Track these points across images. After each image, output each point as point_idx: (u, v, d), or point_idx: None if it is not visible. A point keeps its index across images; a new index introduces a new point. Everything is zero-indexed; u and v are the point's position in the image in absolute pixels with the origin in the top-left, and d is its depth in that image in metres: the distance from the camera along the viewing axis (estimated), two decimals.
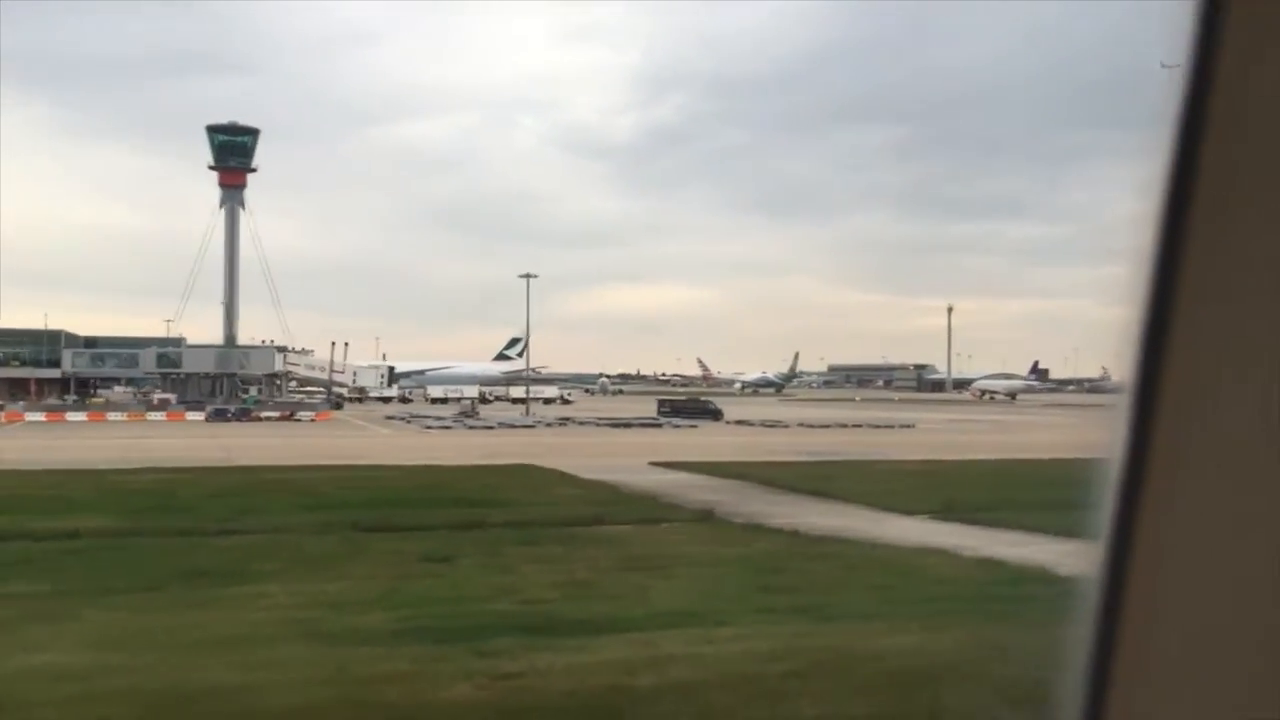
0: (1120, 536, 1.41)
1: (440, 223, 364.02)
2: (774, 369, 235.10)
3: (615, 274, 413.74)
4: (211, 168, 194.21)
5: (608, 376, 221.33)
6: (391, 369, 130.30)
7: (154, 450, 51.97)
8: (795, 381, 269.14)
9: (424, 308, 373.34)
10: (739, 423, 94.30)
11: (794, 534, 27.95)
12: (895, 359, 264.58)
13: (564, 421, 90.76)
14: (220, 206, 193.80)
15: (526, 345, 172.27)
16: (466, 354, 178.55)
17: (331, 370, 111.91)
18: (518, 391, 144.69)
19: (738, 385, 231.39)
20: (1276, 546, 1.29)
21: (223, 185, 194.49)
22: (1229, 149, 1.32)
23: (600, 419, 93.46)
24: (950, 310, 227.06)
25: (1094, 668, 1.43)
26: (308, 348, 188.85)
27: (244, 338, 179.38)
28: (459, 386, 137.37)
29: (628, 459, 50.48)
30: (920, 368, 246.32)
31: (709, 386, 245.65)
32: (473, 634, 15.77)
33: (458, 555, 23.37)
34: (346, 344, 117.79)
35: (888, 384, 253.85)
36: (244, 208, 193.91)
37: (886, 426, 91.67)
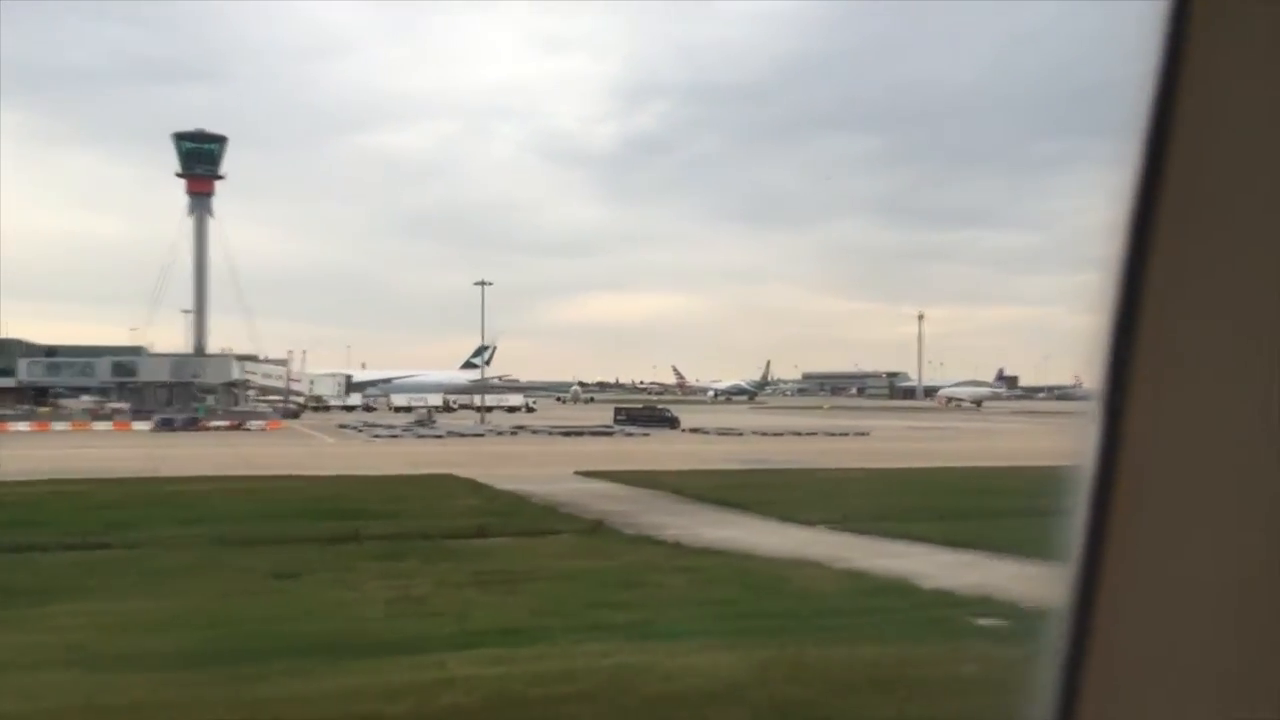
0: (1091, 542, 1.42)
1: (421, 231, 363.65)
2: (756, 377, 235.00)
3: (597, 282, 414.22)
4: (179, 175, 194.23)
5: (581, 385, 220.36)
6: (349, 377, 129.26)
7: (76, 461, 51.12)
8: (770, 389, 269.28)
9: (406, 316, 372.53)
10: (694, 431, 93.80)
11: (675, 546, 27.48)
12: (880, 366, 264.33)
13: (517, 430, 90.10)
14: (189, 214, 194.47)
15: (490, 353, 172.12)
16: (447, 361, 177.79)
17: (289, 379, 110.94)
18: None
19: (711, 393, 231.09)
20: (1246, 551, 1.31)
21: (190, 193, 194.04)
22: (1195, 159, 1.35)
23: (554, 427, 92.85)
24: (921, 318, 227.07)
25: (1065, 674, 1.44)
26: (284, 356, 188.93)
27: (216, 346, 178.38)
28: (423, 395, 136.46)
29: (557, 468, 49.91)
30: (892, 375, 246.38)
31: (684, 394, 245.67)
32: (260, 657, 15.19)
33: (311, 571, 22.81)
34: (305, 352, 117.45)
35: (861, 392, 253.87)
36: (212, 215, 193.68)
37: (841, 434, 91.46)
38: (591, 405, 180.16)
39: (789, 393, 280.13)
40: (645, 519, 32.93)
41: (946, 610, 19.43)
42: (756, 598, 20.43)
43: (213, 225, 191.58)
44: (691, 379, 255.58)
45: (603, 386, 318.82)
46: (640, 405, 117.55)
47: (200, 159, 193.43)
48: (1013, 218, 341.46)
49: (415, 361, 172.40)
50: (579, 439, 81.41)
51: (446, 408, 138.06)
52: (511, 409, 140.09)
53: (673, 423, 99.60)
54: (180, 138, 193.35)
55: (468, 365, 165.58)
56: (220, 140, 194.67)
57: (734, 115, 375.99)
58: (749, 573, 23.16)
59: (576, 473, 47.56)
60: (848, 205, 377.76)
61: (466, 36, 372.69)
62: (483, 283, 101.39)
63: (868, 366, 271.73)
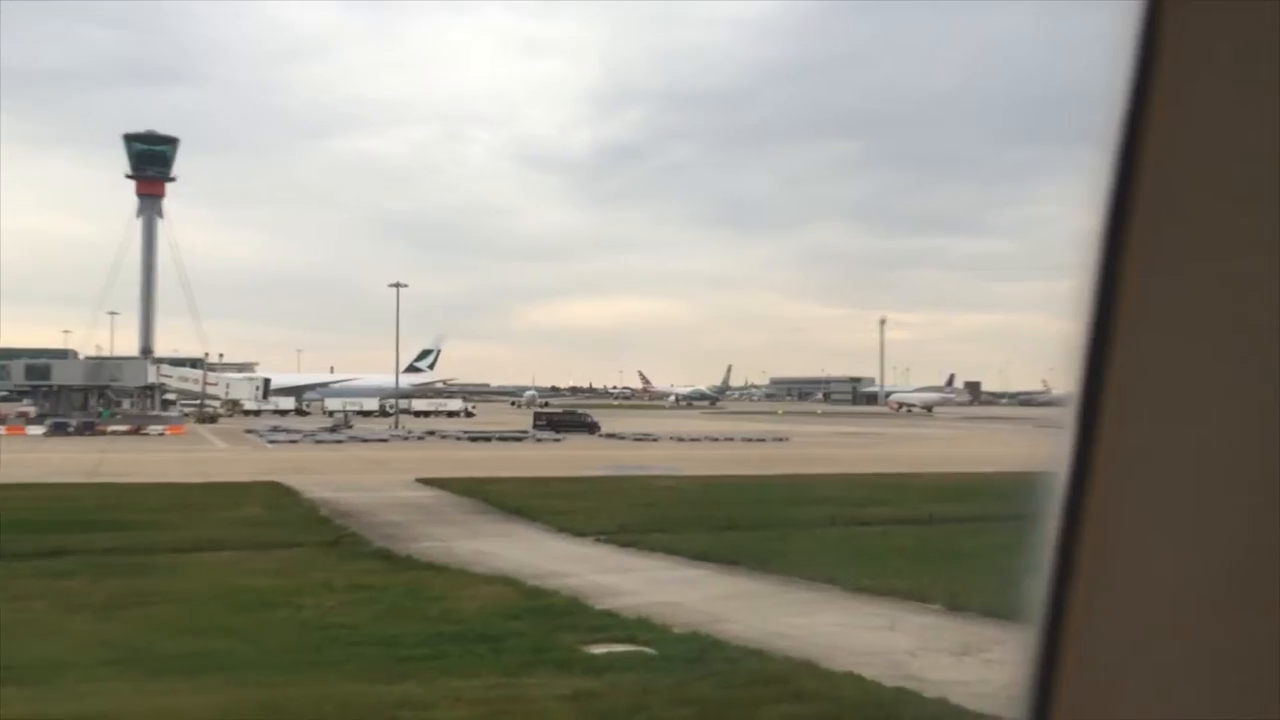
0: (1064, 547, 1.45)
1: (395, 236, 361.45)
2: (718, 382, 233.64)
3: (573, 287, 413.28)
4: (129, 176, 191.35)
5: (536, 389, 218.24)
6: (267, 381, 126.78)
7: None
8: (737, 394, 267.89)
9: (383, 320, 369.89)
10: (609, 436, 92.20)
11: (405, 560, 25.88)
12: (855, 372, 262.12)
13: (425, 435, 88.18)
14: (137, 216, 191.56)
15: (435, 357, 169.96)
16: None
17: (204, 383, 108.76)
18: (421, 404, 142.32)
19: (672, 398, 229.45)
20: (1220, 555, 1.36)
21: (140, 194, 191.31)
22: (1167, 164, 1.39)
23: (468, 433, 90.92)
24: (883, 323, 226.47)
25: (1039, 679, 1.48)
26: (248, 360, 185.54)
27: (167, 349, 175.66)
28: (359, 399, 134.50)
29: (406, 475, 48.05)
30: (855, 381, 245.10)
31: (650, 399, 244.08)
32: None
33: None
34: (221, 354, 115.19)
35: (826, 397, 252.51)
36: (162, 217, 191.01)
37: (758, 440, 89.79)
38: (546, 410, 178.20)
39: (756, 397, 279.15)
40: (420, 530, 31.36)
41: (575, 635, 17.68)
42: (386, 622, 18.64)
43: (164, 227, 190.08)
44: (664, 384, 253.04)
45: (574, 391, 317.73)
46: (561, 411, 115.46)
47: (151, 160, 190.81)
48: (988, 224, 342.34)
49: (386, 366, 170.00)
50: (479, 445, 79.59)
51: (382, 412, 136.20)
52: (451, 413, 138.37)
53: (591, 428, 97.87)
54: (130, 139, 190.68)
55: (411, 369, 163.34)
56: (172, 141, 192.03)
57: (710, 121, 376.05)
58: (423, 592, 21.38)
59: (418, 480, 45.73)
60: (824, 211, 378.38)
61: (442, 41, 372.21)
62: (397, 284, 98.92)
63: (838, 372, 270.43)
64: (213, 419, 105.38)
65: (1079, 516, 1.44)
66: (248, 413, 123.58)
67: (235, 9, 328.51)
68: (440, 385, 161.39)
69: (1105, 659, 1.44)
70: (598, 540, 29.42)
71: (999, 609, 19.89)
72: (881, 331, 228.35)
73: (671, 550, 27.24)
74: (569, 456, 64.45)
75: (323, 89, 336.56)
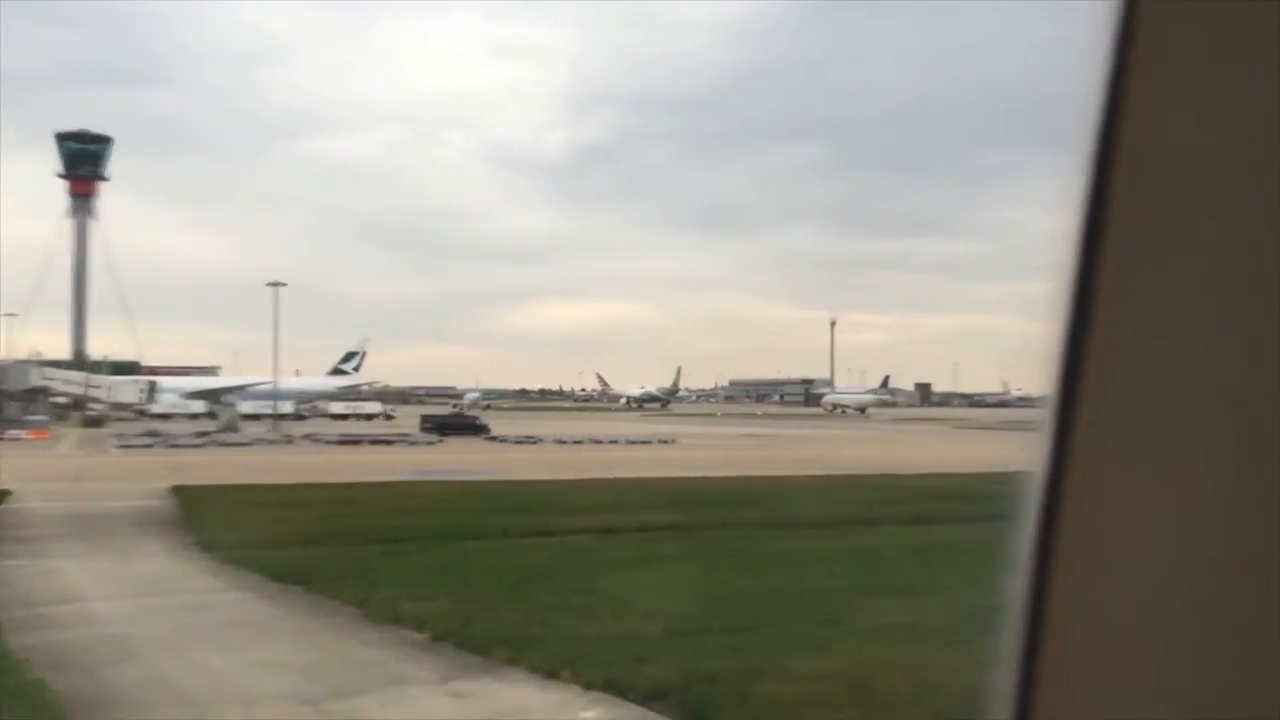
0: (1042, 547, 1.47)
1: (367, 239, 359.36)
2: (699, 384, 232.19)
3: (548, 290, 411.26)
4: (61, 176, 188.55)
5: (481, 391, 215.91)
6: (153, 383, 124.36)
7: None
8: (694, 396, 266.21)
9: (354, 323, 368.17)
10: (493, 439, 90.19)
11: None
12: (826, 374, 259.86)
13: (291, 438, 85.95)
14: (69, 216, 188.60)
15: (360, 359, 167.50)
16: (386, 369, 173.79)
17: (88, 386, 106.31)
18: (337, 407, 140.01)
19: (623, 400, 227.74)
20: (1195, 556, 1.39)
21: (72, 194, 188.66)
22: (1142, 166, 1.41)
23: (344, 436, 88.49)
24: (833, 324, 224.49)
25: (1019, 680, 1.49)
26: (212, 365, 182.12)
27: (101, 352, 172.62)
28: (274, 402, 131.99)
29: (184, 480, 45.78)
30: (807, 382, 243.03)
31: (608, 401, 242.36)
32: None
33: None
34: (106, 357, 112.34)
35: (782, 399, 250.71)
36: (94, 218, 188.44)
37: (643, 442, 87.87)
38: (489, 412, 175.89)
39: (719, 399, 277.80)
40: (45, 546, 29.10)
41: None
42: None
43: (94, 228, 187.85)
44: (626, 386, 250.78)
45: (542, 394, 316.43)
46: (451, 414, 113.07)
47: (84, 159, 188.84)
48: (962, 226, 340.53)
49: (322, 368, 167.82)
50: (339, 449, 77.29)
51: (298, 415, 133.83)
52: (368, 416, 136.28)
53: (479, 430, 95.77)
54: (62, 138, 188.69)
55: (336, 371, 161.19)
56: (105, 140, 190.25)
57: (682, 124, 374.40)
58: None
59: (174, 488, 43.36)
60: (797, 214, 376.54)
61: (413, 43, 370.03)
62: (276, 283, 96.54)
63: (810, 374, 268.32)
64: (99, 422, 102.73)
65: (1056, 516, 1.43)
66: (157, 416, 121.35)
67: (200, 10, 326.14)
68: (365, 388, 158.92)
69: (1084, 659, 1.44)
70: (215, 554, 27.19)
71: (470, 636, 17.84)
72: (832, 333, 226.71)
73: (265, 568, 24.98)
74: (394, 461, 62.17)
75: (292, 91, 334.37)
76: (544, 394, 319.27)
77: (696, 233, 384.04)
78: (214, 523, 32.51)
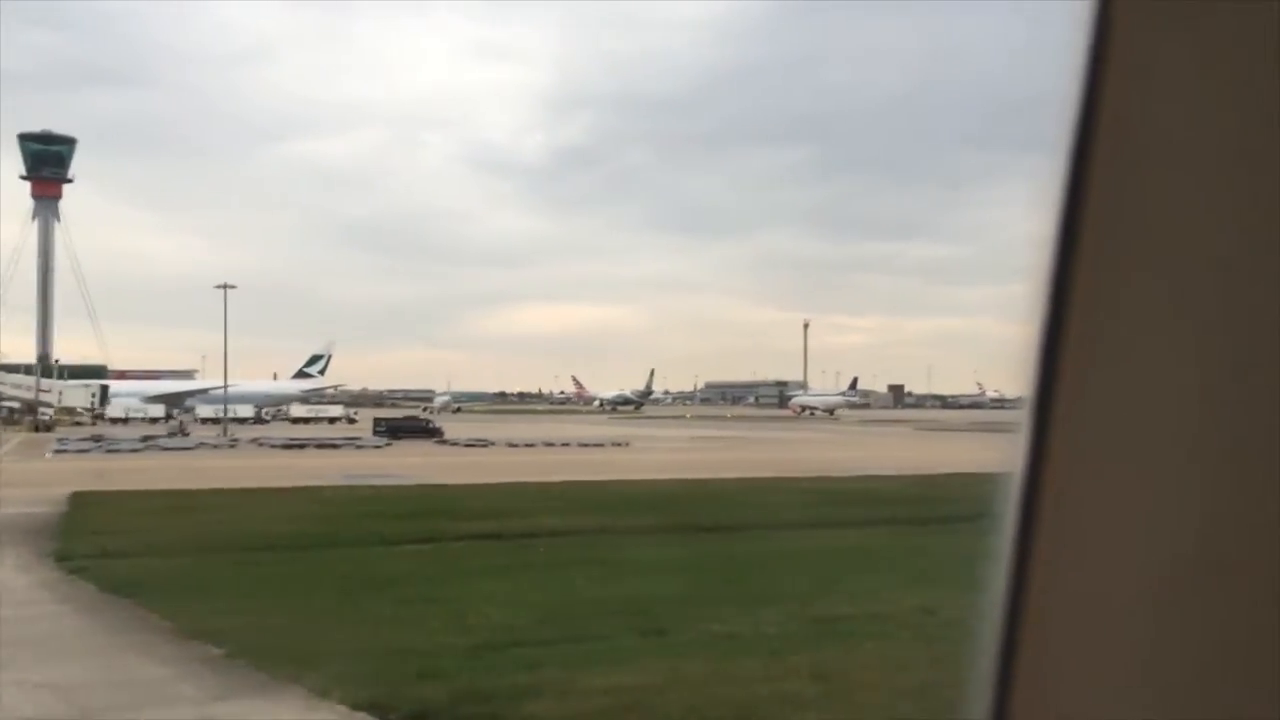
0: (1019, 548, 1.48)
1: (351, 241, 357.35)
2: (679, 386, 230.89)
3: (530, 293, 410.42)
4: (23, 178, 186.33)
5: (451, 394, 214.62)
6: (105, 387, 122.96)
7: None
8: (671, 399, 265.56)
9: (336, 326, 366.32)
10: (442, 442, 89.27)
11: None
12: (806, 376, 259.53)
13: (237, 442, 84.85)
14: (32, 218, 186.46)
15: (325, 362, 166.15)
16: (368, 372, 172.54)
17: (38, 390, 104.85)
18: (300, 410, 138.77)
19: (596, 403, 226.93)
20: (1171, 553, 1.41)
21: (35, 196, 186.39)
22: (1119, 167, 1.43)
23: (293, 440, 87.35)
24: (806, 326, 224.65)
25: (996, 679, 1.51)
26: (189, 369, 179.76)
27: (78, 355, 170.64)
28: (233, 406, 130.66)
29: (95, 486, 44.97)
30: (781, 384, 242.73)
31: (583, 404, 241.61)
32: None
33: None
34: (58, 360, 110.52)
35: (757, 400, 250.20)
36: (59, 220, 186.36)
37: (596, 445, 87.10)
38: (458, 415, 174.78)
39: (691, 401, 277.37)
40: None
41: None
42: None
43: (58, 230, 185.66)
44: (604, 390, 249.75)
45: (521, 396, 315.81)
46: (403, 417, 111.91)
47: (47, 161, 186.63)
48: (944, 229, 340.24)
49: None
50: (284, 453, 76.25)
51: (258, 419, 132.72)
52: (332, 420, 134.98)
53: (432, 433, 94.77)
54: (25, 139, 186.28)
55: (300, 374, 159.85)
56: (69, 142, 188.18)
57: (663, 126, 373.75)
58: None
59: (75, 493, 42.36)
60: (779, 216, 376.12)
61: (393, 45, 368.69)
62: (225, 285, 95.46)
63: (788, 376, 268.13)
64: (49, 427, 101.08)
65: (1034, 516, 1.45)
66: (115, 420, 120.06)
67: (181, 10, 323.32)
68: (331, 390, 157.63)
69: (1062, 657, 1.46)
70: (65, 565, 26.21)
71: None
72: (805, 335, 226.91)
73: (105, 580, 24.03)
74: (327, 466, 61.01)
75: (273, 92, 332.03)
76: (523, 396, 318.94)
77: (678, 236, 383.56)
78: (86, 531, 31.63)
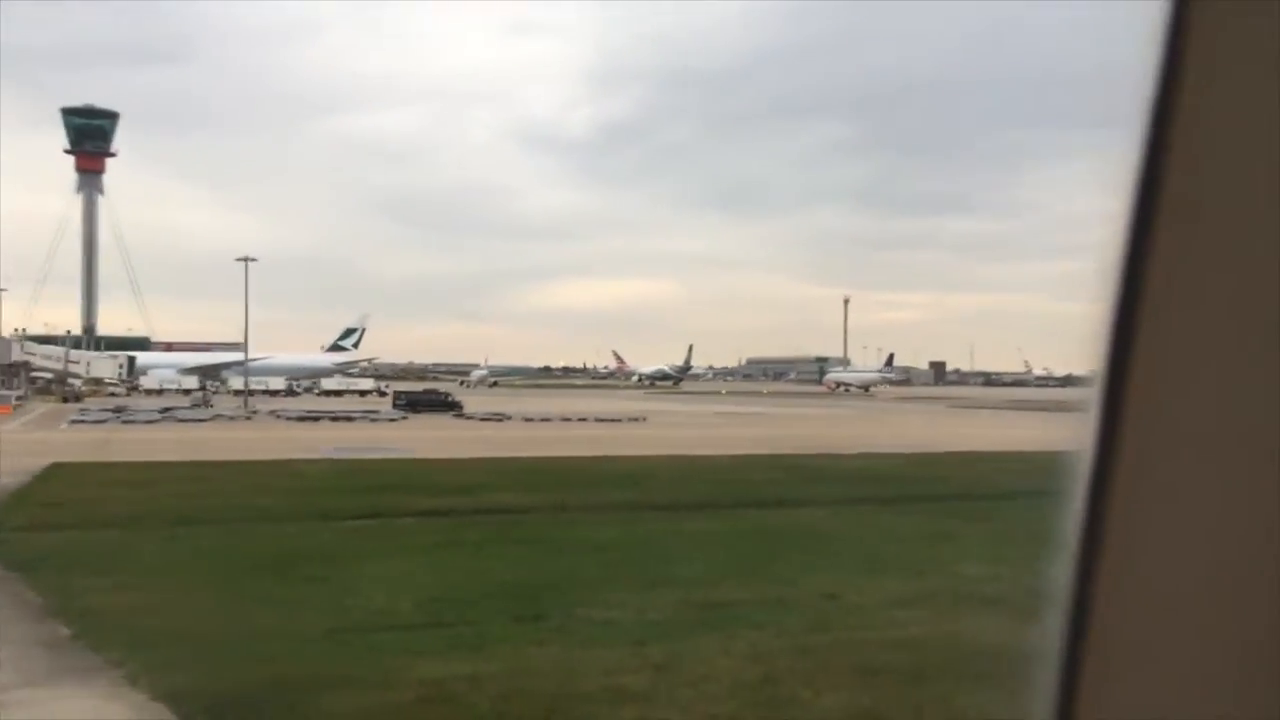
0: (1089, 533, 1.45)
1: (396, 216, 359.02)
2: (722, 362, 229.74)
3: (573, 268, 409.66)
4: (67, 152, 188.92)
5: (489, 368, 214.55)
6: (131, 359, 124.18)
7: None
8: (711, 374, 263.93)
9: (381, 301, 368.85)
10: (459, 416, 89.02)
11: None
12: (857, 353, 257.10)
13: (252, 415, 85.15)
14: (77, 191, 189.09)
15: (359, 335, 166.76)
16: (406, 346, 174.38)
17: (67, 361, 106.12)
18: (330, 383, 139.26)
19: (634, 378, 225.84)
20: (1247, 546, 1.38)
21: (80, 170, 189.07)
22: (1197, 145, 1.39)
23: (307, 413, 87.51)
24: (847, 302, 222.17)
25: (1064, 669, 1.48)
26: (237, 341, 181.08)
27: (122, 328, 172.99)
28: (264, 379, 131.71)
29: (83, 457, 45.23)
30: (821, 360, 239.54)
31: (622, 378, 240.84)
32: None
33: None
34: (70, 331, 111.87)
35: (797, 377, 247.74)
36: (102, 194, 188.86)
37: (612, 420, 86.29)
38: (496, 389, 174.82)
39: (733, 377, 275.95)
40: None
41: None
42: None
43: (102, 204, 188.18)
44: (645, 365, 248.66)
45: (565, 371, 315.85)
46: (423, 390, 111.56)
47: (90, 135, 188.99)
48: (987, 205, 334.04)
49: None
50: (295, 425, 76.36)
51: (289, 391, 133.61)
52: (363, 393, 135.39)
53: (451, 407, 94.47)
54: (68, 113, 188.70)
55: (334, 348, 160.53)
56: (112, 116, 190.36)
57: (708, 102, 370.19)
58: None
59: (55, 463, 42.44)
60: (824, 192, 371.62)
61: (438, 21, 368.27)
62: (246, 259, 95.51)
63: (819, 352, 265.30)
64: (78, 397, 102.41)
65: (1104, 502, 1.41)
66: (149, 391, 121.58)
67: None
68: (365, 364, 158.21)
69: (1131, 652, 1.41)
70: None
71: None
72: (845, 311, 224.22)
73: (14, 554, 23.60)
74: (328, 438, 60.83)
75: (317, 69, 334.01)
76: (567, 371, 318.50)
77: (721, 211, 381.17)
78: (35, 503, 31.60)
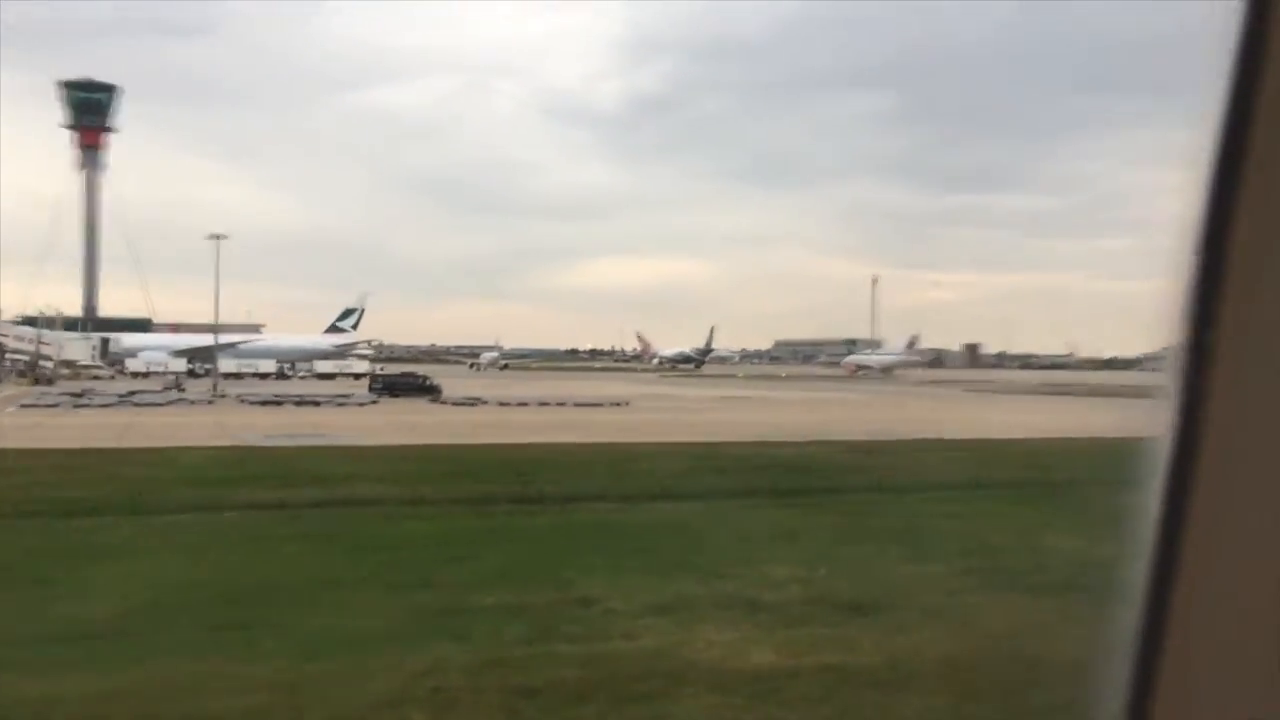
0: (1168, 525, 1.38)
1: (420, 192, 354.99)
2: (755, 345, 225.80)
3: (603, 247, 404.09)
4: (66, 127, 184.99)
5: (500, 350, 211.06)
6: (105, 340, 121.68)
7: None
8: (737, 357, 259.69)
9: (404, 279, 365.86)
10: (434, 400, 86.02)
11: None
12: (888, 333, 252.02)
13: (214, 399, 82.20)
14: (79, 169, 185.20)
15: (358, 316, 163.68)
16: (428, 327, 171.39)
17: (39, 342, 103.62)
18: (324, 366, 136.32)
19: (655, 360, 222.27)
20: None
21: (81, 146, 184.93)
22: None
23: (274, 396, 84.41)
24: (875, 281, 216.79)
25: (1140, 661, 1.42)
26: (254, 323, 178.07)
27: (130, 308, 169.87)
28: (254, 361, 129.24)
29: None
30: (850, 343, 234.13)
31: (646, 360, 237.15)
32: None
33: None
34: (60, 312, 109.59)
35: (825, 359, 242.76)
36: (106, 169, 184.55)
37: (593, 405, 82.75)
38: (507, 372, 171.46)
39: (761, 359, 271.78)
40: None
41: None
42: None
43: (104, 180, 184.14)
44: (670, 349, 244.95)
45: (593, 353, 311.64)
46: (400, 374, 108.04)
47: (89, 109, 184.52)
48: (1030, 180, 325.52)
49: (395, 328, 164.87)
50: (255, 409, 73.45)
51: (280, 374, 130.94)
52: (358, 376, 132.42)
53: (428, 391, 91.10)
54: (67, 86, 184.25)
55: (333, 329, 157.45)
56: (110, 89, 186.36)
57: (740, 73, 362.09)
58: None
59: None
60: (860, 166, 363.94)
61: None
62: (217, 235, 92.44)
63: (852, 334, 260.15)
64: (49, 380, 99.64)
65: (1184, 495, 1.35)
66: (136, 374, 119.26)
67: None
68: (363, 346, 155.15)
69: (1212, 651, 1.36)
70: None
71: None
72: (874, 291, 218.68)
73: None
74: (273, 424, 58.36)
75: (340, 41, 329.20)
76: (594, 354, 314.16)
77: (755, 186, 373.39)
78: None
